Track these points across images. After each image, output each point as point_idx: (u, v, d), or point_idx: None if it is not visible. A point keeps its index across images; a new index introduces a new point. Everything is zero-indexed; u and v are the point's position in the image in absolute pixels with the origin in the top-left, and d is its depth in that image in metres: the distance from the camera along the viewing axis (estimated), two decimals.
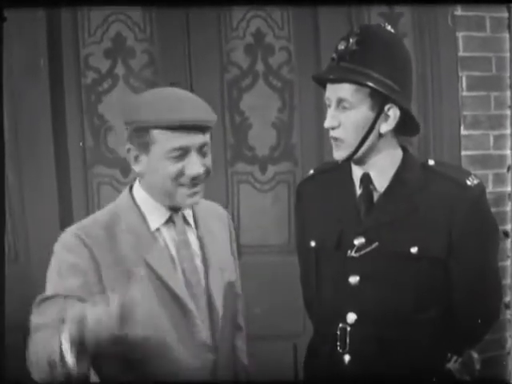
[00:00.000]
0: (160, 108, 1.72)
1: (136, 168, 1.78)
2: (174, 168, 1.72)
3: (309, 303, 2.11)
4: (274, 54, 3.14)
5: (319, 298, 1.99)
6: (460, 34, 3.06)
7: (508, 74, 3.06)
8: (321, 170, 2.08)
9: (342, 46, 1.84)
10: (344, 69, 1.83)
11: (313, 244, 1.98)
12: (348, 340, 1.88)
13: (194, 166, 1.73)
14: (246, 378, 2.00)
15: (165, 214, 1.81)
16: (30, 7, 2.75)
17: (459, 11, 3.04)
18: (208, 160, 1.77)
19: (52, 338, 1.54)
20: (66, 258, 1.75)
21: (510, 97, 3.08)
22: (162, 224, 1.82)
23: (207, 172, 1.77)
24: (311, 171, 2.11)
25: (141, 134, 1.73)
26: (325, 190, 2.00)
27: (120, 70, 3.09)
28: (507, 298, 3.05)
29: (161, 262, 1.78)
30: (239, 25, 3.11)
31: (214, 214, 1.96)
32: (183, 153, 1.72)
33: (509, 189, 3.10)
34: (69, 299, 1.68)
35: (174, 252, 1.82)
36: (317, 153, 3.11)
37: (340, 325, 1.89)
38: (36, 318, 1.69)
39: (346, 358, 1.89)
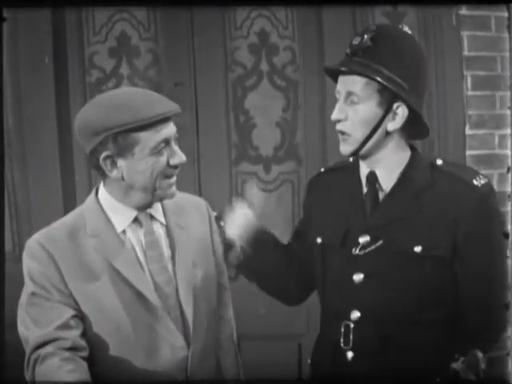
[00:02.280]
0: (134, 108, 1.71)
1: (113, 174, 1.75)
2: (161, 161, 1.74)
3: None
4: (279, 54, 3.14)
5: (323, 295, 1.99)
6: (465, 34, 3.06)
7: (509, 74, 3.05)
8: (331, 169, 2.08)
9: (356, 42, 1.85)
10: (356, 63, 1.84)
11: (319, 240, 1.98)
12: (351, 337, 1.89)
13: (178, 154, 1.76)
14: (235, 372, 2.00)
15: (130, 216, 1.81)
16: (29, 7, 2.76)
17: (464, 10, 3.04)
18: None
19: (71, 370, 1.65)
20: (32, 264, 1.76)
21: (510, 97, 3.07)
22: (127, 225, 1.81)
23: None
24: (322, 169, 2.11)
25: (121, 139, 1.71)
26: (333, 187, 2.00)
27: (124, 69, 3.09)
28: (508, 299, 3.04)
29: (127, 264, 1.77)
30: (243, 24, 3.11)
31: (189, 206, 1.95)
32: (165, 145, 1.74)
33: (509, 189, 3.09)
34: (51, 303, 1.73)
35: (140, 253, 1.81)
36: (321, 152, 3.11)
37: (344, 322, 1.90)
38: (31, 332, 1.73)
39: (349, 354, 1.89)
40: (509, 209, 3.09)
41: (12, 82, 2.99)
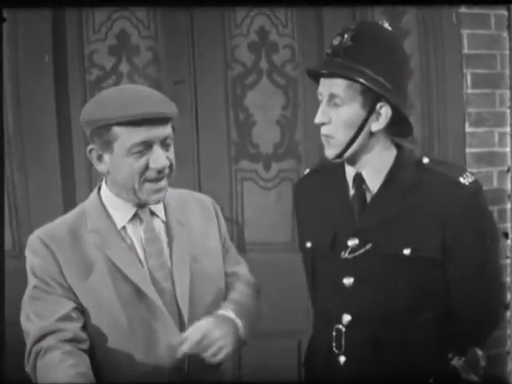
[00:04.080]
0: (119, 104, 1.70)
1: (99, 168, 1.78)
2: (138, 163, 1.72)
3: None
4: (278, 52, 3.14)
5: (315, 299, 1.98)
6: (464, 32, 3.06)
7: (508, 73, 3.05)
8: (316, 169, 2.06)
9: (336, 42, 1.81)
10: (337, 64, 1.80)
11: (309, 245, 1.96)
12: (343, 341, 1.87)
13: (159, 159, 1.73)
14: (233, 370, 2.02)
15: (130, 212, 1.82)
16: (29, 7, 2.76)
17: (463, 9, 3.04)
18: (171, 153, 1.77)
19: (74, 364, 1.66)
20: (33, 260, 1.79)
21: (509, 95, 3.07)
22: (127, 222, 1.82)
23: (171, 166, 1.77)
24: (307, 170, 2.10)
25: (102, 133, 1.72)
26: (319, 189, 1.98)
27: (124, 67, 3.09)
28: (507, 298, 3.05)
29: (126, 260, 1.78)
30: (243, 22, 3.11)
31: (193, 202, 1.95)
32: (146, 147, 1.72)
33: (509, 187, 3.10)
34: (53, 296, 1.75)
35: (140, 249, 1.81)
36: (320, 150, 3.09)
37: (335, 326, 1.88)
38: (33, 324, 1.75)
39: (342, 359, 1.88)
40: (508, 207, 3.09)
41: (12, 80, 2.99)
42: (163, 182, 1.77)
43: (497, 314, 1.98)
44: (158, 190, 1.77)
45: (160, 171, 1.74)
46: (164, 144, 1.75)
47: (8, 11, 2.49)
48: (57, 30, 3.03)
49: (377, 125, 1.82)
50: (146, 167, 1.73)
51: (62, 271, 1.77)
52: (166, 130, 1.74)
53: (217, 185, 3.12)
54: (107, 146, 1.73)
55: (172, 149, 1.78)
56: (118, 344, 1.78)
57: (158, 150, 1.73)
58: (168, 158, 1.75)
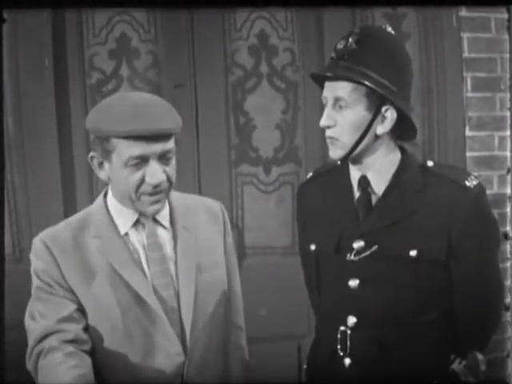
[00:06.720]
0: (118, 117, 1.69)
1: (101, 175, 1.78)
2: (134, 177, 1.72)
3: (315, 305, 2.11)
4: (278, 55, 3.14)
5: (320, 301, 1.98)
6: (465, 35, 3.07)
7: (508, 76, 3.06)
8: (319, 173, 2.07)
9: (340, 45, 1.82)
10: (342, 67, 1.81)
11: (313, 247, 1.96)
12: (348, 343, 1.87)
13: (155, 174, 1.71)
14: (245, 376, 2.00)
15: (132, 218, 1.81)
16: (29, 8, 2.76)
17: (464, 12, 3.04)
18: (171, 168, 1.75)
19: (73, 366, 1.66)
20: (36, 262, 1.80)
21: (509, 99, 3.08)
22: (130, 228, 1.81)
23: (170, 180, 1.75)
24: (310, 174, 2.10)
25: (102, 142, 1.72)
26: (323, 192, 1.98)
27: (124, 70, 3.09)
28: (507, 300, 3.05)
29: (127, 266, 1.78)
30: (243, 26, 3.11)
31: (200, 208, 1.93)
32: (142, 161, 1.70)
33: (509, 191, 3.10)
34: (55, 297, 1.76)
35: (142, 256, 1.81)
36: (321, 154, 3.11)
37: (340, 328, 1.89)
38: (36, 323, 1.76)
39: (347, 361, 1.88)
40: (508, 210, 3.09)
41: (12, 84, 2.99)
42: (161, 195, 1.75)
43: (498, 316, 1.98)
44: (154, 202, 1.76)
45: (156, 186, 1.73)
46: (163, 159, 1.72)
47: (8, 12, 2.49)
48: (57, 34, 3.03)
49: (382, 128, 1.83)
50: (142, 181, 1.72)
51: (63, 275, 1.77)
52: (167, 145, 1.72)
53: (217, 189, 3.11)
54: (107, 155, 1.73)
55: (173, 163, 1.76)
56: (116, 347, 1.78)
57: (155, 165, 1.71)
58: (166, 172, 1.73)
